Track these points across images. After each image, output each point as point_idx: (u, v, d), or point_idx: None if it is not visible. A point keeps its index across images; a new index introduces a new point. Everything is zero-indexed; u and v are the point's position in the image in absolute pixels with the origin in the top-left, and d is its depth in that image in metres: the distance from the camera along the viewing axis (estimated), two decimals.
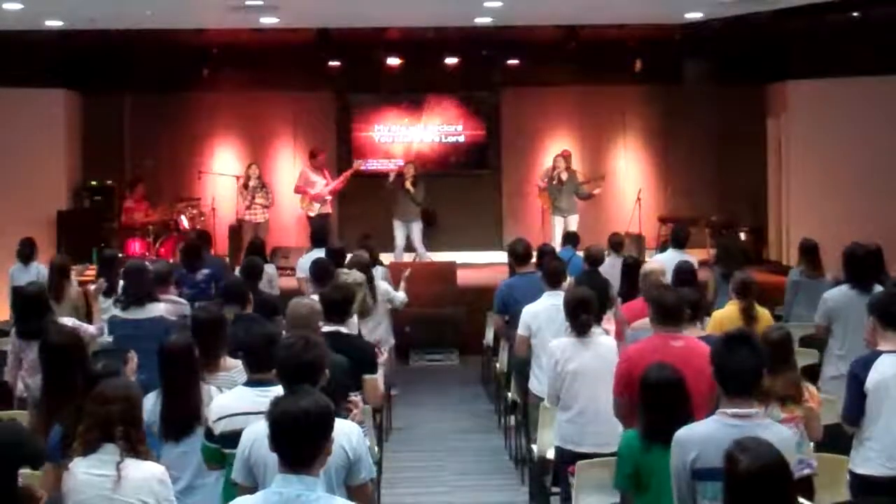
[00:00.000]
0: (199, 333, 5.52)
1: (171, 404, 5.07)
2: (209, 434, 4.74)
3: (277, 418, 3.41)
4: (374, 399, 6.03)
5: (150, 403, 5.11)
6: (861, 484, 5.27)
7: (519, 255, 8.72)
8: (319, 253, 9.86)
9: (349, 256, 9.43)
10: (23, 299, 7.33)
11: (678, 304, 5.48)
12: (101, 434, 4.23)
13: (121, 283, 8.45)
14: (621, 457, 4.68)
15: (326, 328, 5.89)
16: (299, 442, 3.39)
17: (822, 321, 7.32)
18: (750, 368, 4.10)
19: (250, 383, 4.71)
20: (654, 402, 4.58)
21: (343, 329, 6.04)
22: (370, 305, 8.84)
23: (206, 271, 9.58)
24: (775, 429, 4.19)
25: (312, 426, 3.40)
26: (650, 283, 7.15)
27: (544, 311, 7.27)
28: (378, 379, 6.01)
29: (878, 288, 7.22)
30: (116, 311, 7.43)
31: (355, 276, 8.49)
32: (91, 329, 7.49)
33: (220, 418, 4.68)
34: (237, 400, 4.70)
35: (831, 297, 7.34)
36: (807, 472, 5.24)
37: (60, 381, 5.23)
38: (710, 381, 5.03)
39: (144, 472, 4.24)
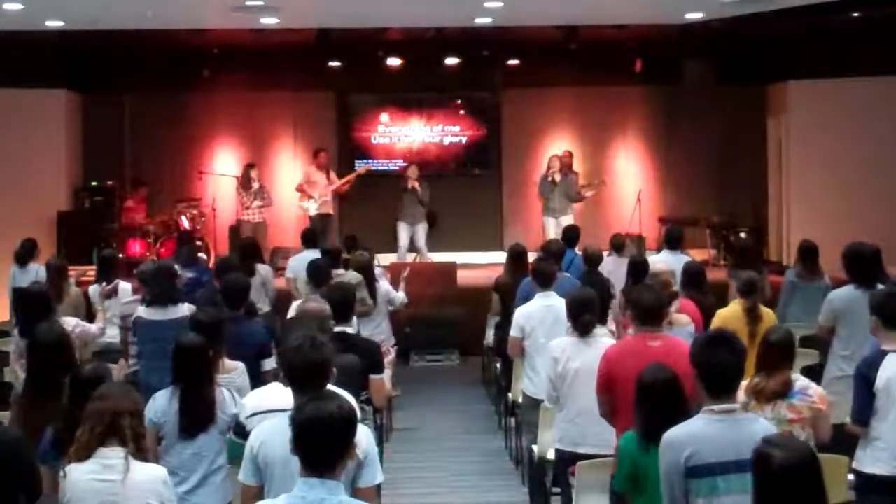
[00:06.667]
0: (200, 335, 5.52)
1: (189, 401, 5.07)
2: (240, 430, 4.69)
3: (303, 422, 3.36)
4: (380, 399, 6.06)
5: (164, 402, 5.13)
6: (868, 483, 5.28)
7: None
8: (312, 254, 9.83)
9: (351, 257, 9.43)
10: (26, 299, 7.33)
11: (657, 304, 5.51)
12: (108, 436, 4.19)
13: (121, 283, 8.45)
14: (620, 457, 4.68)
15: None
16: (324, 446, 3.35)
17: (827, 322, 7.25)
18: (731, 367, 4.17)
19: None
20: (651, 402, 4.57)
21: (348, 329, 6.05)
22: (370, 306, 8.85)
23: (190, 275, 9.53)
24: (761, 423, 4.22)
25: (339, 430, 3.36)
26: (658, 284, 7.16)
27: (536, 312, 7.28)
28: (384, 379, 6.03)
29: (880, 287, 7.23)
30: (141, 312, 7.42)
31: (351, 276, 8.47)
32: (93, 328, 7.50)
33: (253, 414, 4.62)
34: (272, 397, 4.62)
35: (837, 297, 7.27)
36: None
37: (45, 380, 5.24)
38: (691, 380, 5.06)
39: (149, 474, 4.23)
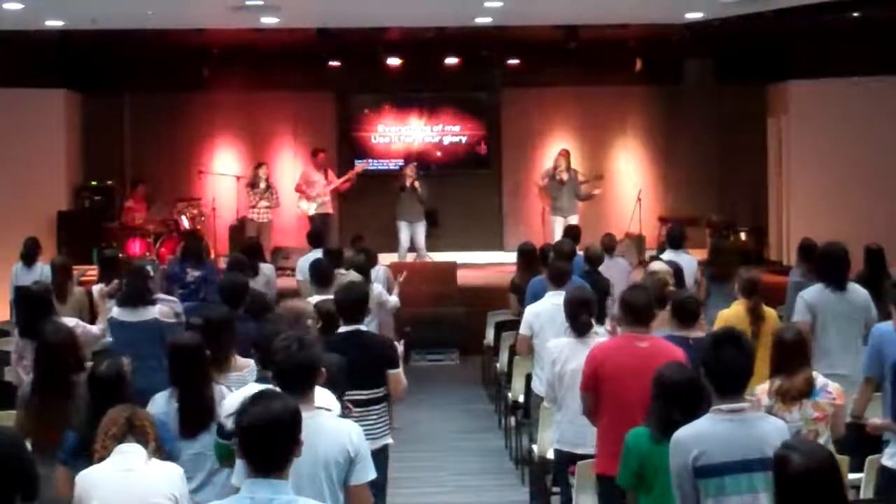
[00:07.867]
0: (209, 333, 5.53)
1: (186, 402, 5.08)
2: (221, 431, 4.73)
3: (250, 424, 3.36)
4: (399, 392, 6.06)
5: (163, 402, 5.13)
6: None
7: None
8: (319, 254, 9.84)
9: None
10: (27, 298, 7.32)
11: (647, 305, 5.49)
12: (125, 434, 4.22)
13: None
14: (627, 453, 4.62)
15: (345, 328, 5.96)
16: (270, 447, 3.35)
17: (804, 318, 7.10)
18: (740, 367, 4.14)
19: (263, 380, 4.66)
20: (672, 400, 4.49)
21: (362, 327, 6.06)
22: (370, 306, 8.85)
23: (196, 273, 9.54)
24: (772, 421, 4.22)
25: (283, 431, 3.36)
26: (654, 282, 7.15)
27: (546, 311, 7.26)
28: (400, 373, 6.03)
29: (855, 287, 7.18)
30: (113, 314, 7.42)
31: (352, 276, 8.46)
32: (94, 329, 7.48)
33: (231, 415, 4.66)
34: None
35: (808, 294, 7.20)
36: None
37: (54, 381, 5.24)
38: None
39: (169, 470, 4.27)
